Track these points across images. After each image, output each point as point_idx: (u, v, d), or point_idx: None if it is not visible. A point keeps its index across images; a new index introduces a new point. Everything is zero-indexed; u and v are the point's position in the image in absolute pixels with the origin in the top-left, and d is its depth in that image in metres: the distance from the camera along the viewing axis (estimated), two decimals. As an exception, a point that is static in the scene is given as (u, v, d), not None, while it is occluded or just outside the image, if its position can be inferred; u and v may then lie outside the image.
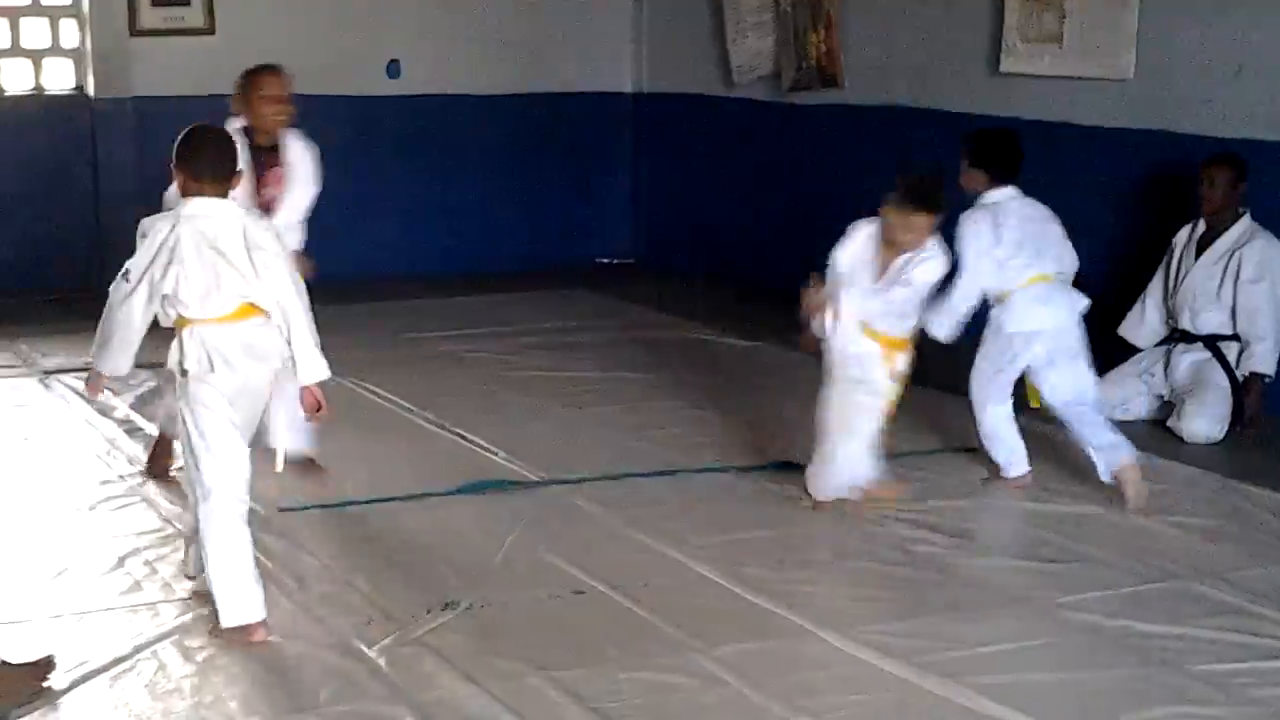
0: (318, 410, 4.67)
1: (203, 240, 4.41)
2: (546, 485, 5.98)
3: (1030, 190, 8.30)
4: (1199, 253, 6.90)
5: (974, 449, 6.48)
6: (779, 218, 10.03)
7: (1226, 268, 6.80)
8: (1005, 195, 6.01)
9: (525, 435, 6.64)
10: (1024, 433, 6.11)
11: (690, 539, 5.34)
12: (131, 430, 6.67)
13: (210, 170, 4.49)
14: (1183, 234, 7.01)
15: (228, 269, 4.41)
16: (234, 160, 4.62)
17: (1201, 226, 6.92)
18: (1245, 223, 6.82)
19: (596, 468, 6.18)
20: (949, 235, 5.81)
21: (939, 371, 7.82)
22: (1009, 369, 5.89)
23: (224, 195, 4.49)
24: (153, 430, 6.42)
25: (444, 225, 10.75)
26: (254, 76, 6.23)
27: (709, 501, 5.85)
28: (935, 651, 4.42)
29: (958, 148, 7.94)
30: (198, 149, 4.53)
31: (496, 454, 6.34)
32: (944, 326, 5.77)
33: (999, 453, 6.00)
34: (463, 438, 6.57)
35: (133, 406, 7.02)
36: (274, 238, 4.55)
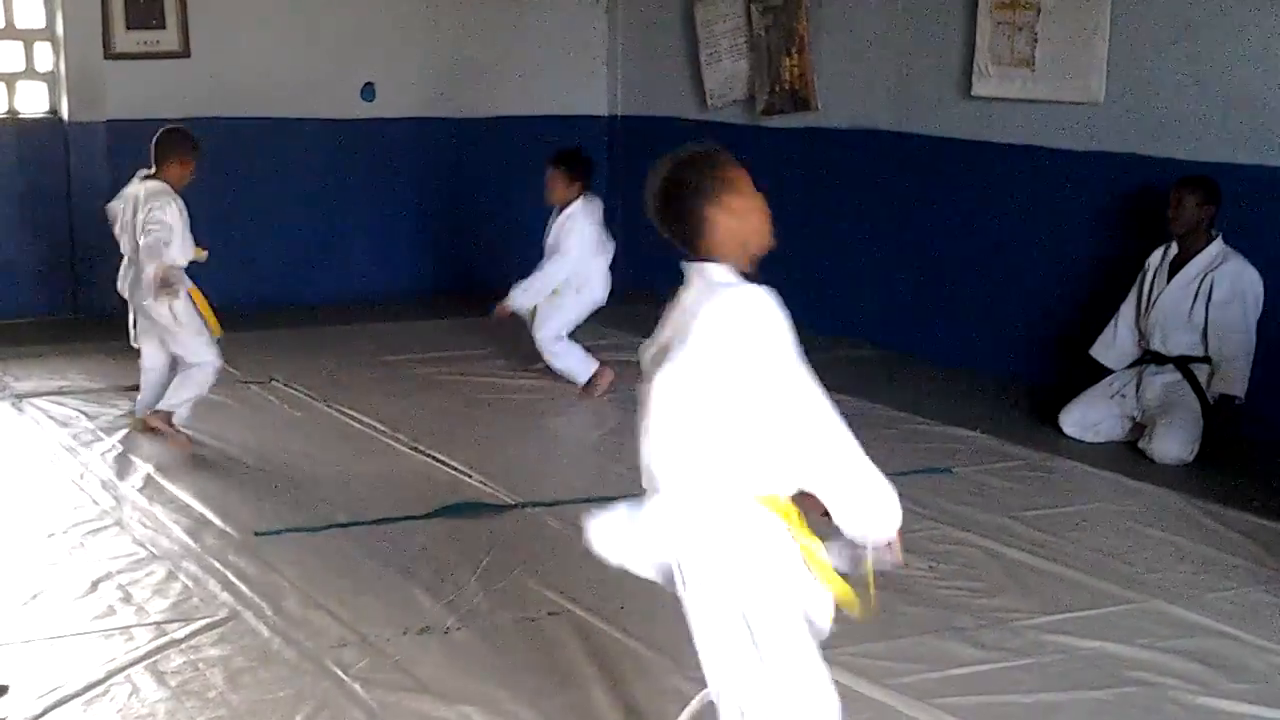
0: None
1: None
2: (521, 508, 5.99)
3: (1003, 212, 8.40)
4: (1171, 274, 6.94)
5: (949, 469, 6.52)
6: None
7: (1199, 290, 6.84)
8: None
9: (500, 458, 6.64)
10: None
11: (665, 561, 5.34)
12: (104, 454, 6.64)
13: None
14: (1155, 256, 7.06)
15: None
16: None
17: (1174, 249, 6.97)
18: (1218, 245, 6.87)
19: (571, 490, 6.18)
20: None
21: (912, 395, 7.89)
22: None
23: None
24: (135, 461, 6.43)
25: (419, 248, 10.76)
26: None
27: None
28: (909, 673, 4.44)
29: (930, 170, 8.03)
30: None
31: (471, 477, 6.34)
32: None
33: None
34: (438, 460, 6.57)
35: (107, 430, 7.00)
36: None
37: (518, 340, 8.34)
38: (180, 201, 6.76)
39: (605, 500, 6.19)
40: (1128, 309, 7.16)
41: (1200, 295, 6.84)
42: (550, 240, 8.11)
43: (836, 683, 4.33)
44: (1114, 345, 7.21)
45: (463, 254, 10.91)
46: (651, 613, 4.89)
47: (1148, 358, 7.04)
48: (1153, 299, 7.00)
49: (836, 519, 3.12)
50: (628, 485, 6.22)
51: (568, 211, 8.08)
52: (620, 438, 7.07)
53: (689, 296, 3.05)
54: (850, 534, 3.16)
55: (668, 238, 3.09)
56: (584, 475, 6.46)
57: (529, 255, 11.76)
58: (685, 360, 2.99)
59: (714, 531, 3.07)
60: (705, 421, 2.99)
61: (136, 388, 7.34)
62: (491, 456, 6.65)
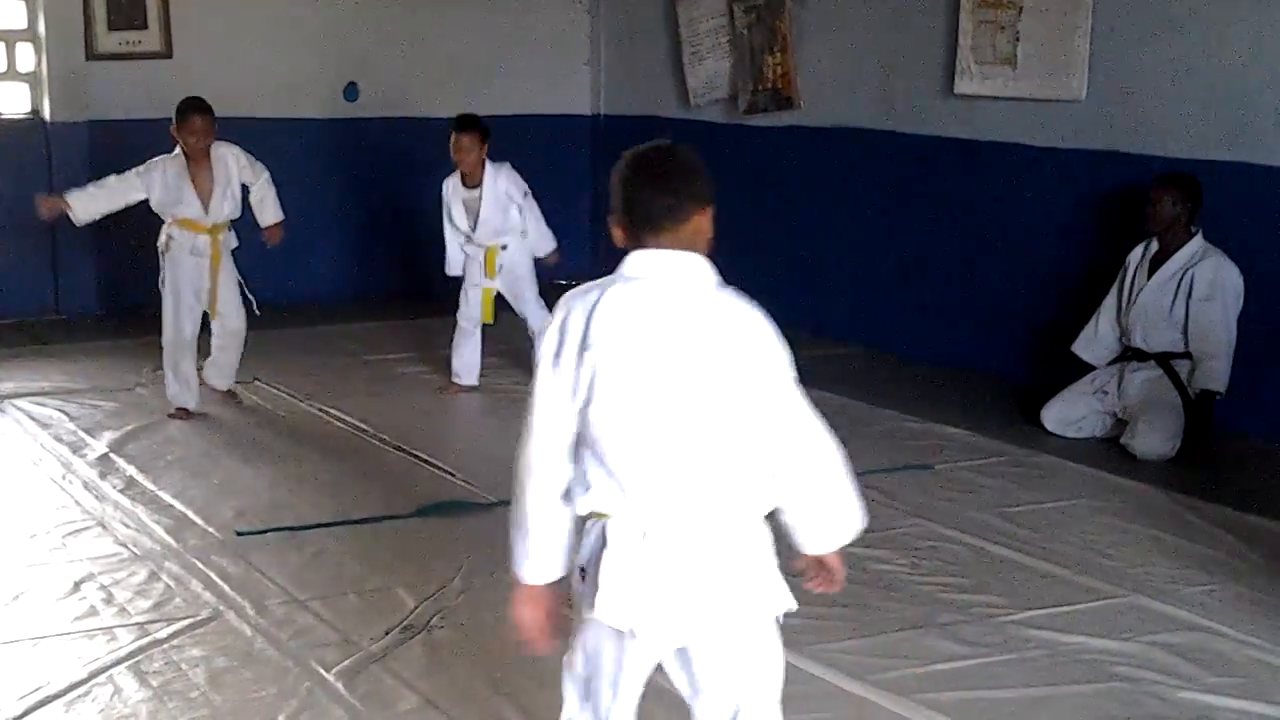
0: None
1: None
2: (504, 506, 5.97)
3: (985, 210, 8.42)
4: (1151, 271, 6.96)
5: (931, 466, 6.53)
6: (736, 238, 10.05)
7: (1179, 286, 6.86)
8: None
9: (483, 457, 6.63)
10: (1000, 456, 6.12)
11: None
12: (86, 455, 6.63)
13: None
14: (1136, 252, 7.08)
15: None
16: None
17: (1154, 245, 6.99)
18: (1197, 242, 6.88)
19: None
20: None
21: (894, 392, 7.90)
22: None
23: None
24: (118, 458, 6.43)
25: (402, 247, 10.74)
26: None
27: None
28: (891, 669, 4.44)
29: (913, 168, 8.01)
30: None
31: (454, 476, 6.34)
32: None
33: None
34: (420, 459, 6.57)
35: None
36: None
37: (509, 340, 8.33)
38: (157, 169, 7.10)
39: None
40: (1109, 305, 7.18)
41: (1180, 292, 6.85)
42: (492, 207, 7.83)
43: (819, 678, 4.38)
44: (1095, 341, 7.23)
45: (444, 253, 10.87)
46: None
47: (1129, 354, 7.06)
48: (1133, 296, 7.02)
49: (805, 534, 2.98)
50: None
51: (500, 175, 7.88)
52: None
53: (676, 294, 2.84)
54: (809, 550, 3.02)
55: (643, 220, 2.87)
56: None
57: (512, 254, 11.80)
58: (780, 361, 2.89)
59: (744, 556, 2.89)
60: (743, 440, 2.84)
61: (130, 388, 7.47)
62: (474, 455, 6.64)
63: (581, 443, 2.86)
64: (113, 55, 9.79)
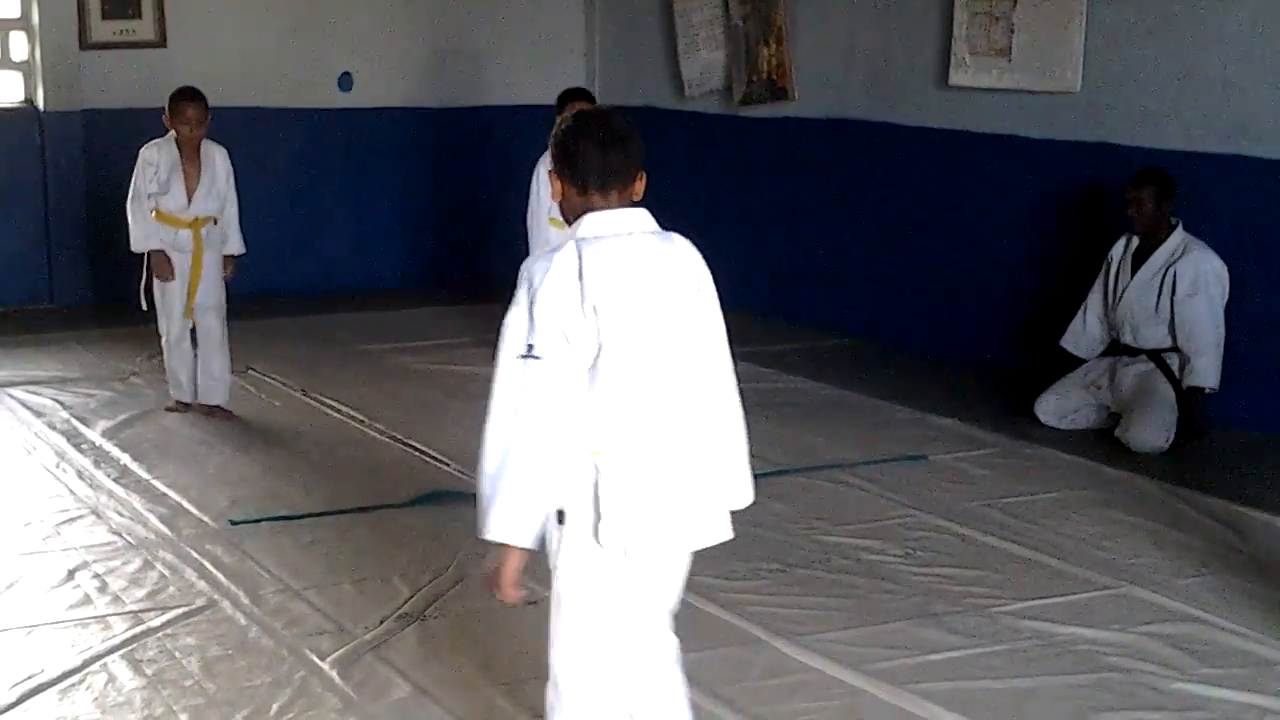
0: None
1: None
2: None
3: (979, 201, 8.43)
4: (1135, 267, 6.96)
5: (924, 457, 6.54)
6: (730, 229, 10.07)
7: (1162, 283, 6.85)
8: None
9: (478, 446, 6.61)
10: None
11: (643, 549, 5.35)
12: (80, 444, 6.63)
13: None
14: (1118, 247, 7.08)
15: None
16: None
17: (1135, 240, 6.99)
18: (1178, 236, 6.88)
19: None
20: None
21: (887, 383, 7.91)
22: None
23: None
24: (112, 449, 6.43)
25: (396, 237, 10.74)
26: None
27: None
28: (885, 659, 4.45)
29: (907, 160, 8.01)
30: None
31: (449, 465, 6.34)
32: None
33: None
34: (415, 449, 6.57)
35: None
36: None
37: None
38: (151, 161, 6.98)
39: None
40: (1094, 299, 7.18)
41: (1165, 290, 6.84)
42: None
43: (813, 668, 4.39)
44: (1084, 335, 7.23)
45: (441, 243, 10.91)
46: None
47: (1119, 348, 7.07)
48: (1119, 293, 7.02)
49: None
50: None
51: None
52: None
53: (646, 245, 3.14)
54: None
55: (600, 179, 3.12)
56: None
57: (508, 244, 11.80)
58: (711, 303, 3.23)
59: (716, 476, 3.24)
60: (709, 371, 3.20)
61: (124, 377, 7.46)
62: (469, 445, 6.58)
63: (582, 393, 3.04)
64: (107, 44, 9.78)
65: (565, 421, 3.02)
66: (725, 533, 3.26)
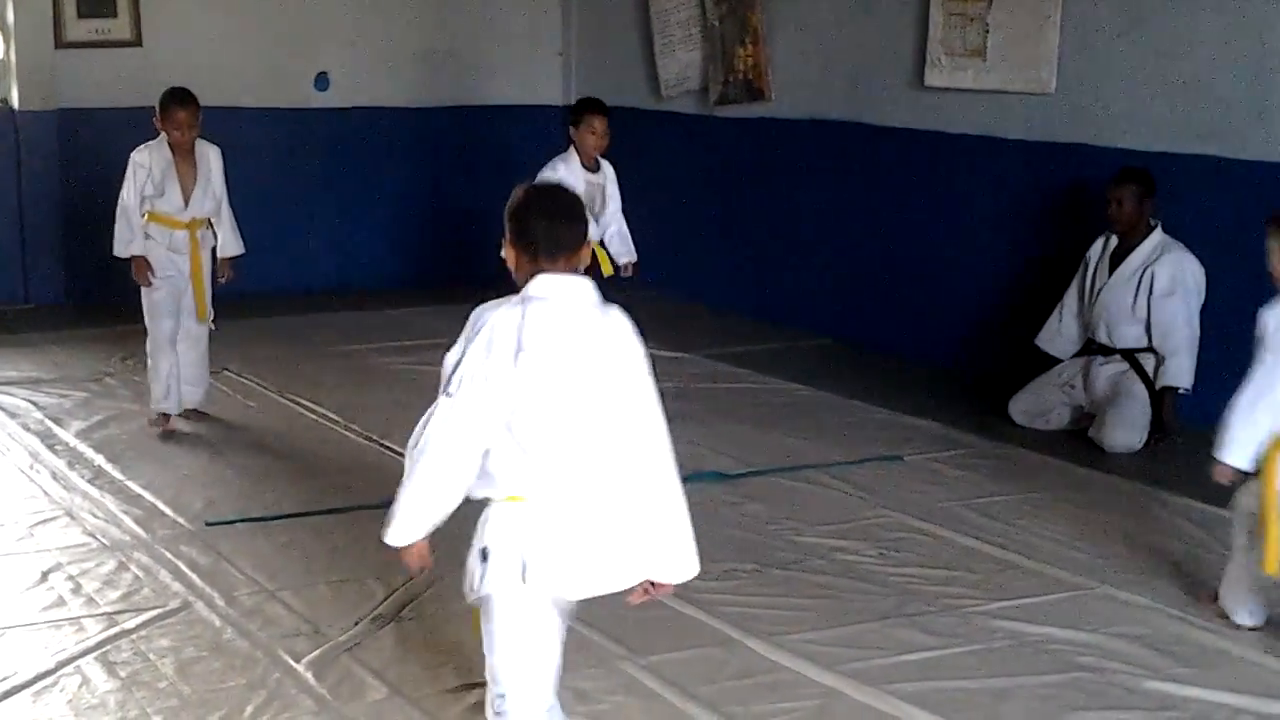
0: None
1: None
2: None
3: (954, 202, 8.45)
4: (1113, 267, 6.99)
5: (900, 457, 6.55)
6: (707, 230, 10.09)
7: (1140, 283, 6.88)
8: None
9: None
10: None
11: (618, 550, 5.35)
12: (54, 445, 6.61)
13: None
14: (1096, 247, 7.11)
15: None
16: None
17: (1114, 240, 7.02)
18: (1157, 236, 6.90)
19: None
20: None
21: (863, 383, 7.92)
22: None
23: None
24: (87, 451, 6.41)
25: (374, 237, 10.72)
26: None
27: (637, 512, 5.87)
28: (860, 659, 4.47)
29: (883, 160, 8.01)
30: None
31: (425, 466, 6.33)
32: None
33: None
34: (391, 450, 6.56)
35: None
36: None
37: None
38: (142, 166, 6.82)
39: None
40: (1071, 298, 7.21)
41: (1142, 289, 6.87)
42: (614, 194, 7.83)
43: (788, 668, 4.40)
44: (1059, 335, 7.26)
45: (418, 244, 10.89)
46: (603, 599, 4.90)
47: (1094, 348, 7.09)
48: (1095, 292, 7.04)
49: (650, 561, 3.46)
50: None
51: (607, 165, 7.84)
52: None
53: (582, 312, 3.37)
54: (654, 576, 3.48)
55: (550, 248, 3.38)
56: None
57: (485, 244, 11.74)
58: (643, 363, 3.46)
59: (631, 528, 3.42)
60: (628, 434, 3.41)
61: (99, 377, 7.40)
62: (445, 446, 6.63)
63: (501, 437, 3.31)
64: (82, 43, 9.75)
65: (462, 460, 3.33)
66: (640, 576, 3.45)
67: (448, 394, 3.36)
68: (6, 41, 9.72)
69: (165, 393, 6.85)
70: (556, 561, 3.33)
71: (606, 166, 7.80)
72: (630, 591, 3.49)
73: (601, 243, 7.64)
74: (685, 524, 3.48)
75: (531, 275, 3.37)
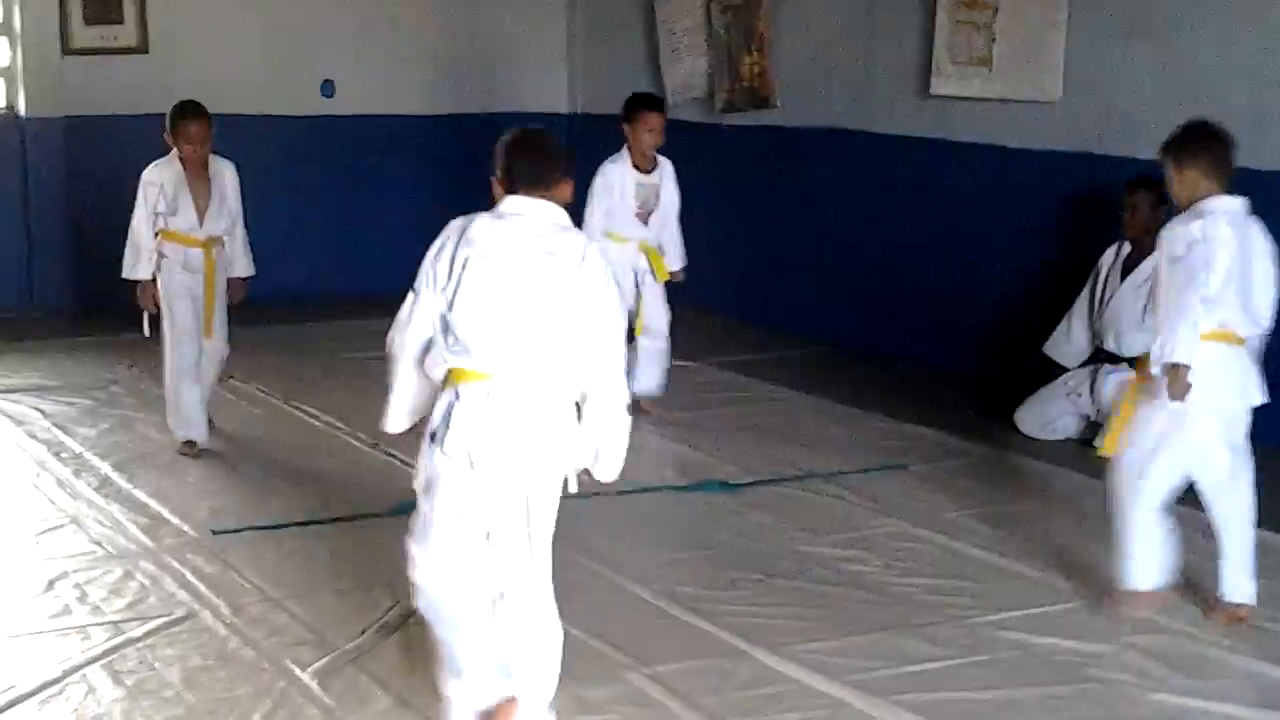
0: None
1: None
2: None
3: (960, 210, 8.45)
4: (1124, 274, 6.98)
5: (905, 466, 6.55)
6: (711, 238, 10.08)
7: (1151, 291, 6.86)
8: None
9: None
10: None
11: (626, 559, 5.36)
12: (60, 453, 6.61)
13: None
14: (1109, 255, 7.10)
15: None
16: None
17: (1127, 247, 7.01)
18: (1169, 245, 6.89)
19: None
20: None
21: (868, 391, 7.91)
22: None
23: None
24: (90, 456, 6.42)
25: (378, 245, 10.71)
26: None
27: (645, 522, 5.88)
28: (866, 669, 4.46)
29: (889, 168, 7.98)
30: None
31: (430, 475, 6.33)
32: None
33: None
34: (396, 458, 6.56)
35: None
36: None
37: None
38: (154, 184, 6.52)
39: (565, 498, 6.20)
40: (1081, 306, 7.20)
41: (1153, 296, 6.85)
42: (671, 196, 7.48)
43: (793, 679, 4.40)
44: (1068, 342, 7.25)
45: (422, 250, 10.85)
46: (609, 609, 4.92)
47: (1102, 356, 7.08)
48: (1106, 299, 7.04)
49: (593, 461, 3.88)
50: (587, 483, 6.24)
51: (667, 166, 7.47)
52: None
53: (540, 227, 3.78)
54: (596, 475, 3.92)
55: (526, 180, 3.82)
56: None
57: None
58: (607, 290, 3.82)
59: (559, 425, 3.79)
60: (568, 342, 3.76)
61: (105, 385, 7.38)
62: (451, 454, 6.64)
63: (448, 322, 3.75)
64: (89, 50, 9.76)
65: (404, 339, 3.88)
66: (560, 473, 3.83)
67: (413, 290, 3.87)
68: (13, 48, 9.74)
69: (189, 423, 6.59)
70: (474, 434, 3.69)
71: (665, 165, 7.41)
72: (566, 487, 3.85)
73: (658, 247, 7.37)
74: (623, 437, 3.86)
75: (503, 198, 3.84)
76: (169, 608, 4.87)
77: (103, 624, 4.73)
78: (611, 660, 4.49)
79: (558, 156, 3.88)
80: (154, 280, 6.49)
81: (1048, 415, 7.14)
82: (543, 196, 3.81)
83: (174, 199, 6.47)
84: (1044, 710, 4.27)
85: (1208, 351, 4.69)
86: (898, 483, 6.36)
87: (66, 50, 9.71)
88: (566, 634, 4.66)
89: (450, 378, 3.76)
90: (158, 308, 6.52)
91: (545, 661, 3.90)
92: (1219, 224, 4.74)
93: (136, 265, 6.49)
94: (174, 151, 6.51)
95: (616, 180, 7.22)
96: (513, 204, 3.81)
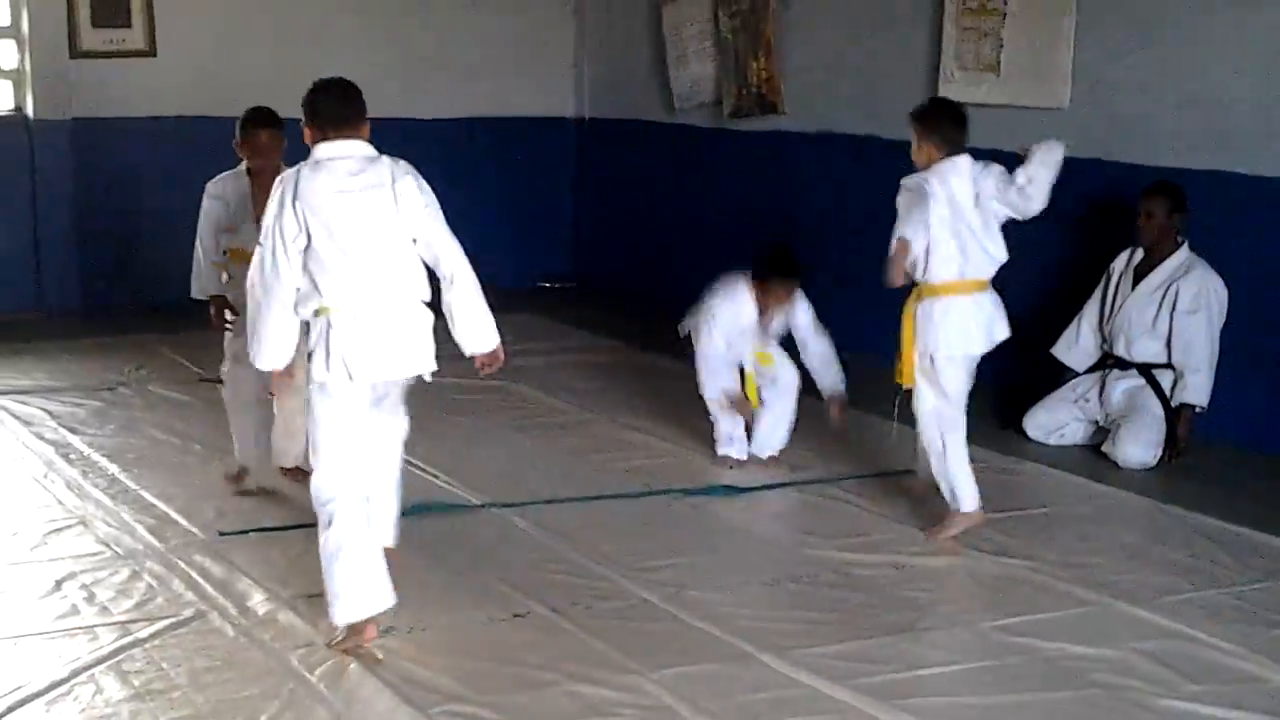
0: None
1: None
2: (487, 508, 5.99)
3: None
4: (1136, 281, 6.97)
5: (913, 471, 6.54)
6: (719, 243, 10.07)
7: (1164, 298, 6.86)
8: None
9: (466, 458, 6.64)
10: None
11: (631, 562, 5.36)
12: (68, 454, 6.62)
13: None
14: (1120, 260, 7.09)
15: None
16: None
17: (1139, 254, 7.00)
18: (1183, 253, 6.89)
19: (537, 491, 6.19)
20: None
21: (875, 397, 7.90)
22: None
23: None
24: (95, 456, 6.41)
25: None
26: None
27: (650, 525, 5.88)
28: (873, 674, 4.46)
29: (896, 174, 7.95)
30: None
31: (438, 477, 6.34)
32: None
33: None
34: (404, 461, 6.55)
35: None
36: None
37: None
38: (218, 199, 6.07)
39: (572, 501, 6.24)
40: (1091, 310, 7.20)
41: (1165, 304, 6.85)
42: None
43: (800, 683, 4.39)
44: (1076, 345, 7.25)
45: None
46: (615, 612, 4.91)
47: (1110, 362, 7.08)
48: (1117, 304, 7.03)
49: (462, 339, 4.70)
50: (592, 485, 6.26)
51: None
52: (586, 439, 7.09)
53: (351, 165, 4.54)
54: (467, 350, 4.74)
55: (328, 122, 4.57)
56: (551, 476, 6.46)
57: (497, 255, 11.77)
58: (421, 198, 4.64)
59: (417, 329, 4.59)
60: (408, 251, 4.60)
61: (113, 386, 7.34)
62: (457, 457, 6.65)
63: (306, 265, 4.43)
64: (97, 53, 9.78)
65: (276, 294, 4.46)
66: (429, 366, 4.66)
67: (260, 244, 4.51)
68: (21, 50, 9.75)
69: (243, 450, 6.13)
70: (350, 354, 4.42)
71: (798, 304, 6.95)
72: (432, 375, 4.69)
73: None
74: (483, 308, 4.66)
75: (316, 145, 4.54)
76: (176, 608, 4.87)
77: (110, 625, 4.73)
78: (618, 664, 4.48)
79: (355, 98, 4.61)
80: (224, 297, 5.94)
81: (1056, 421, 7.13)
82: (349, 137, 4.55)
83: (235, 215, 5.98)
84: (1051, 716, 4.26)
85: (955, 301, 5.82)
86: (906, 487, 6.35)
87: (74, 53, 9.73)
88: (572, 636, 4.68)
89: (320, 309, 4.45)
90: (227, 325, 5.94)
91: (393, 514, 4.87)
92: (938, 180, 5.80)
93: (203, 283, 6.01)
94: (243, 163, 6.10)
95: (732, 321, 6.76)
96: (325, 149, 4.53)
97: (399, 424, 4.84)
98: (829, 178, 9.30)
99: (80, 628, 4.71)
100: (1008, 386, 7.90)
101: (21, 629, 4.70)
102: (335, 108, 4.56)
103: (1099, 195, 7.60)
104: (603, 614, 4.87)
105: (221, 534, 5.60)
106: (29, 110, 9.74)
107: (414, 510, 5.88)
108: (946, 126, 5.83)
